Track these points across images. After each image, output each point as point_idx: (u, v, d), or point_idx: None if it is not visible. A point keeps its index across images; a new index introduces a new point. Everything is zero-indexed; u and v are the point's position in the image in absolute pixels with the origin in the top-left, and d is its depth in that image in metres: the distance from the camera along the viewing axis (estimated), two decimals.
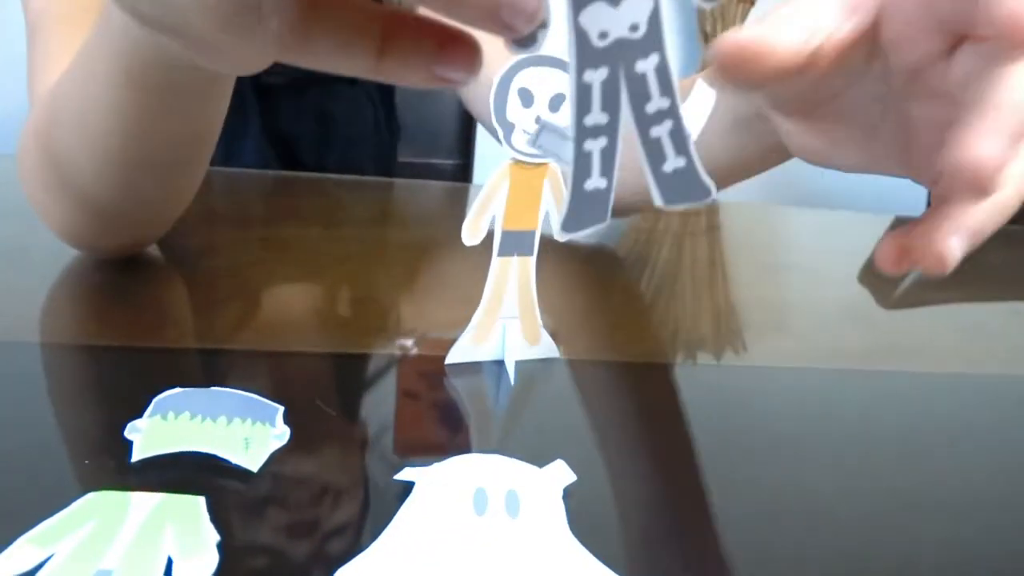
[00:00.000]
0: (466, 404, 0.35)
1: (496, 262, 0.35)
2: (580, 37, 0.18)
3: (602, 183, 0.20)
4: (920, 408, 0.39)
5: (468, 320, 0.36)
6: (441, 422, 0.33)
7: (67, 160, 0.40)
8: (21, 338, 0.35)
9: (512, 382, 0.35)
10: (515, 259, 0.35)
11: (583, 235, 0.21)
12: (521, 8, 0.16)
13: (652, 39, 0.19)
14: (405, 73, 0.18)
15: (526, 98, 0.32)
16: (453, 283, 0.46)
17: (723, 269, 0.58)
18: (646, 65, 0.19)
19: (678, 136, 0.20)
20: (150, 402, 0.29)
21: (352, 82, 0.73)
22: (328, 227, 0.57)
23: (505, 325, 0.36)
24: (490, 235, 0.34)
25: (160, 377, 0.33)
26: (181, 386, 0.30)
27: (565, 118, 0.24)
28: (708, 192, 0.21)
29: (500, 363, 0.37)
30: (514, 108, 0.32)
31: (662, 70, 0.19)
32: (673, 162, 0.20)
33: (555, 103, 0.32)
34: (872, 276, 0.65)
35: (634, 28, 0.19)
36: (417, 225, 0.64)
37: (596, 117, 0.19)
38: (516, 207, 0.34)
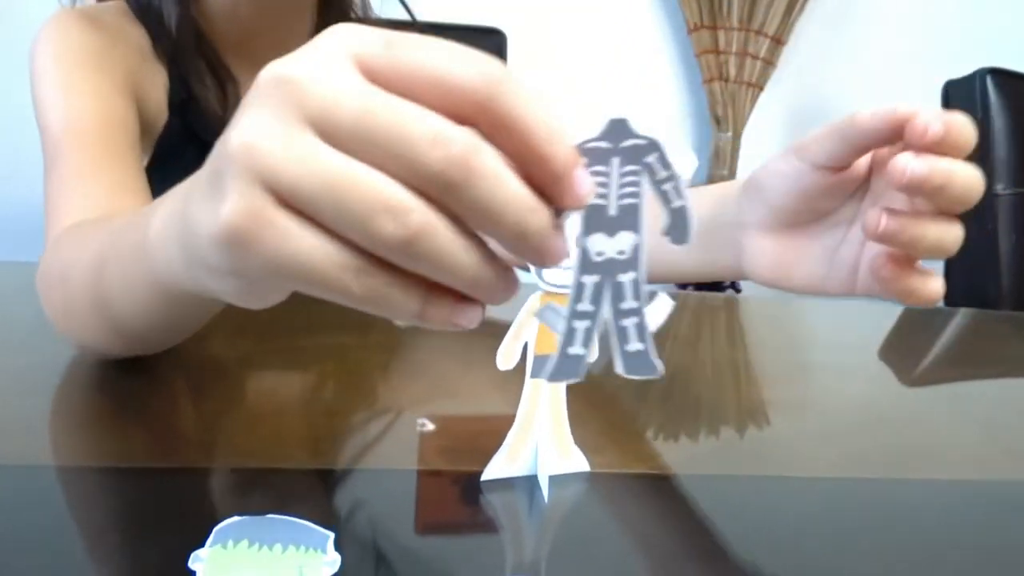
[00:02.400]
0: (502, 523, 0.36)
1: (528, 384, 0.37)
2: (583, 253, 0.27)
3: (581, 351, 0.28)
4: (942, 519, 0.40)
5: (498, 432, 0.38)
6: (479, 543, 0.35)
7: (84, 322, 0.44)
8: (69, 462, 0.38)
9: (546, 498, 0.37)
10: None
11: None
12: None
13: (633, 262, 0.27)
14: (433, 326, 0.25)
15: None
16: (486, 396, 0.48)
17: (745, 371, 0.59)
18: (626, 277, 0.27)
19: (641, 328, 0.28)
20: (210, 528, 0.31)
21: None
22: (363, 334, 0.59)
23: (538, 442, 0.38)
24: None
25: (217, 499, 0.35)
26: (237, 512, 0.32)
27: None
28: (656, 371, 0.29)
29: (533, 478, 0.39)
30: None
31: (636, 282, 0.27)
32: (635, 345, 0.28)
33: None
34: (882, 369, 0.66)
35: (621, 253, 0.27)
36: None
37: (584, 306, 0.27)
38: (547, 334, 0.36)
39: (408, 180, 0.21)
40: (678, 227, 0.27)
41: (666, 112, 1.76)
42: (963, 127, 0.34)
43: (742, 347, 0.69)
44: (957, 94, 1.25)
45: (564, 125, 0.23)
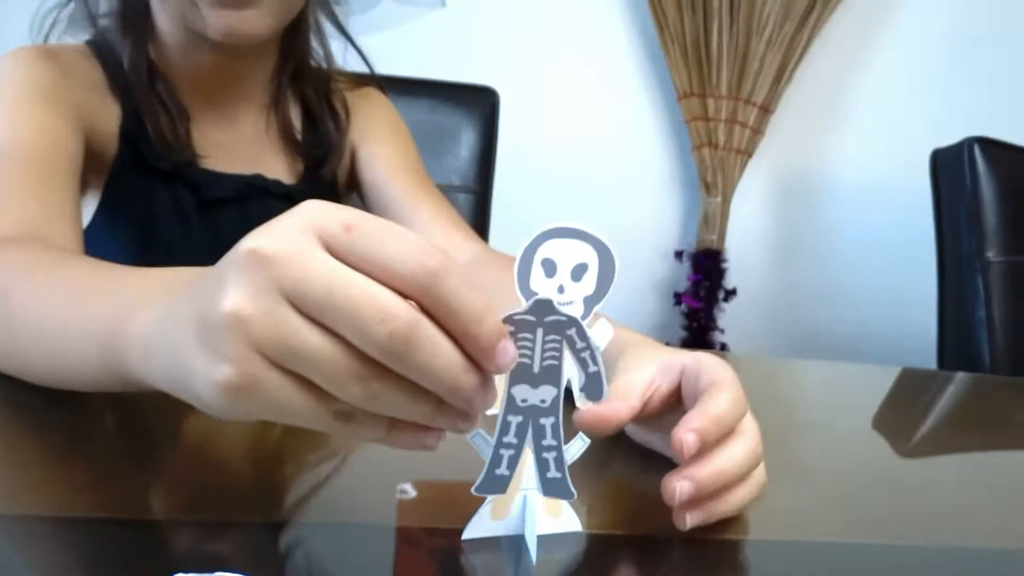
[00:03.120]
0: None
1: None
2: (509, 398, 0.33)
3: (506, 473, 0.34)
4: None
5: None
6: None
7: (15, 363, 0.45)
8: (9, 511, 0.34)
9: (533, 560, 0.33)
10: None
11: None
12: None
13: (553, 409, 0.33)
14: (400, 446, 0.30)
15: (549, 268, 0.32)
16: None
17: None
18: (546, 421, 0.33)
19: (559, 461, 0.34)
20: None
21: (289, 197, 0.75)
22: None
23: (526, 497, 0.35)
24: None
25: (160, 554, 0.31)
26: (184, 570, 0.28)
27: (586, 288, 0.33)
28: (572, 496, 0.35)
29: (520, 538, 0.35)
30: (537, 278, 0.32)
31: (556, 426, 0.34)
32: (553, 473, 0.34)
33: (577, 273, 0.33)
34: (882, 432, 0.63)
35: (543, 401, 0.33)
36: None
37: (510, 439, 0.33)
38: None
39: (360, 347, 0.26)
40: (593, 388, 0.33)
41: (656, 177, 1.77)
42: (722, 419, 0.36)
43: None
44: (945, 163, 1.26)
45: (490, 308, 0.28)
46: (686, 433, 0.35)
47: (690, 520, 0.36)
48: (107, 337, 0.35)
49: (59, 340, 0.40)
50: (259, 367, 0.26)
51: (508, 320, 0.31)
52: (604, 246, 0.33)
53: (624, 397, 0.40)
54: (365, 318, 0.26)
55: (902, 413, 0.72)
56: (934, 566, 0.38)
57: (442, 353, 0.27)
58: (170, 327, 0.30)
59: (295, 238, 0.26)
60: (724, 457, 0.36)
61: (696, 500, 0.36)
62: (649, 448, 0.46)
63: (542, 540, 0.34)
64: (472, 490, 0.33)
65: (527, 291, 0.32)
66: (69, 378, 0.41)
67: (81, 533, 0.32)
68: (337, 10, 0.80)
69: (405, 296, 0.27)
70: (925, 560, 0.38)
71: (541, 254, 0.32)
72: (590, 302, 0.33)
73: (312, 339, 0.26)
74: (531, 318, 0.31)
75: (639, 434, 0.46)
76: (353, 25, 0.83)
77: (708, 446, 0.36)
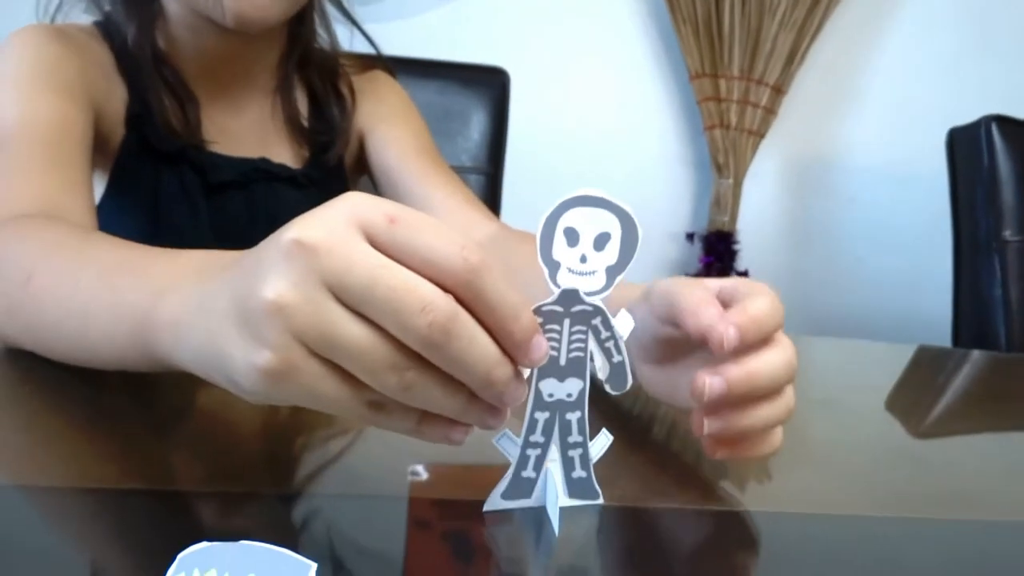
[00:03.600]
0: (507, 559, 0.32)
1: None
2: (536, 393, 0.32)
3: (532, 475, 0.33)
4: (961, 559, 0.36)
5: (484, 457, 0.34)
6: None
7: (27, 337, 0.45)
8: (30, 482, 0.34)
9: (556, 532, 0.33)
10: None
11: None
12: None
13: (580, 403, 0.33)
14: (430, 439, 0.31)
15: (572, 237, 0.32)
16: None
17: None
18: (573, 416, 0.33)
19: (584, 459, 0.34)
20: (173, 555, 0.27)
21: (295, 181, 0.75)
22: None
23: (548, 470, 0.35)
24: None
25: (181, 524, 0.31)
26: (206, 537, 0.28)
27: (608, 258, 0.32)
28: (598, 496, 0.35)
29: (540, 510, 0.35)
30: (560, 247, 0.32)
31: (581, 420, 0.33)
32: (579, 472, 0.34)
33: (600, 242, 0.32)
34: (899, 408, 0.63)
35: (569, 396, 0.33)
36: None
37: (536, 438, 0.33)
38: None
39: (399, 337, 0.27)
40: (617, 378, 0.33)
41: (667, 158, 1.75)
42: (761, 320, 0.34)
43: None
44: (962, 142, 1.25)
45: (526, 304, 0.29)
46: (727, 327, 0.33)
47: (707, 426, 0.35)
48: (135, 318, 0.35)
49: (85, 319, 0.39)
50: (298, 355, 0.27)
51: (537, 311, 0.31)
52: (627, 215, 0.32)
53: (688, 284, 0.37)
54: (406, 308, 0.26)
55: (918, 390, 0.71)
56: (948, 539, 0.38)
57: (479, 345, 0.28)
58: (205, 311, 0.30)
59: (338, 229, 0.27)
60: (759, 361, 0.35)
61: (722, 405, 0.34)
62: (669, 403, 0.43)
63: (562, 512, 0.34)
64: (499, 496, 0.33)
65: (549, 260, 0.31)
66: (94, 357, 0.41)
67: (107, 503, 0.32)
68: None
69: (443, 289, 0.27)
70: (939, 533, 0.38)
71: (564, 223, 0.31)
72: (612, 272, 0.33)
73: (352, 329, 0.27)
74: (559, 308, 0.31)
75: (660, 381, 0.42)
76: (361, 14, 0.83)
77: (745, 347, 0.34)
